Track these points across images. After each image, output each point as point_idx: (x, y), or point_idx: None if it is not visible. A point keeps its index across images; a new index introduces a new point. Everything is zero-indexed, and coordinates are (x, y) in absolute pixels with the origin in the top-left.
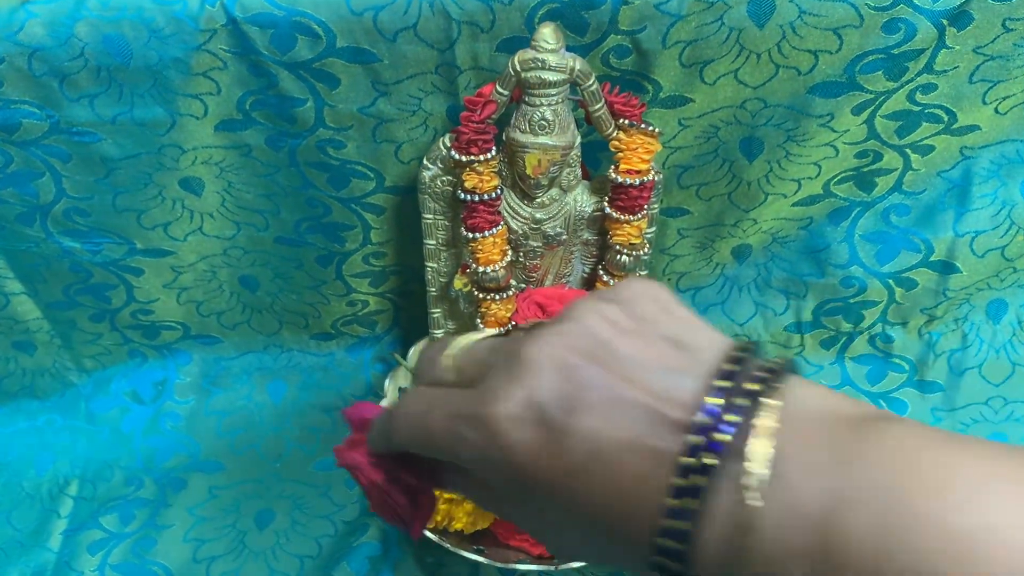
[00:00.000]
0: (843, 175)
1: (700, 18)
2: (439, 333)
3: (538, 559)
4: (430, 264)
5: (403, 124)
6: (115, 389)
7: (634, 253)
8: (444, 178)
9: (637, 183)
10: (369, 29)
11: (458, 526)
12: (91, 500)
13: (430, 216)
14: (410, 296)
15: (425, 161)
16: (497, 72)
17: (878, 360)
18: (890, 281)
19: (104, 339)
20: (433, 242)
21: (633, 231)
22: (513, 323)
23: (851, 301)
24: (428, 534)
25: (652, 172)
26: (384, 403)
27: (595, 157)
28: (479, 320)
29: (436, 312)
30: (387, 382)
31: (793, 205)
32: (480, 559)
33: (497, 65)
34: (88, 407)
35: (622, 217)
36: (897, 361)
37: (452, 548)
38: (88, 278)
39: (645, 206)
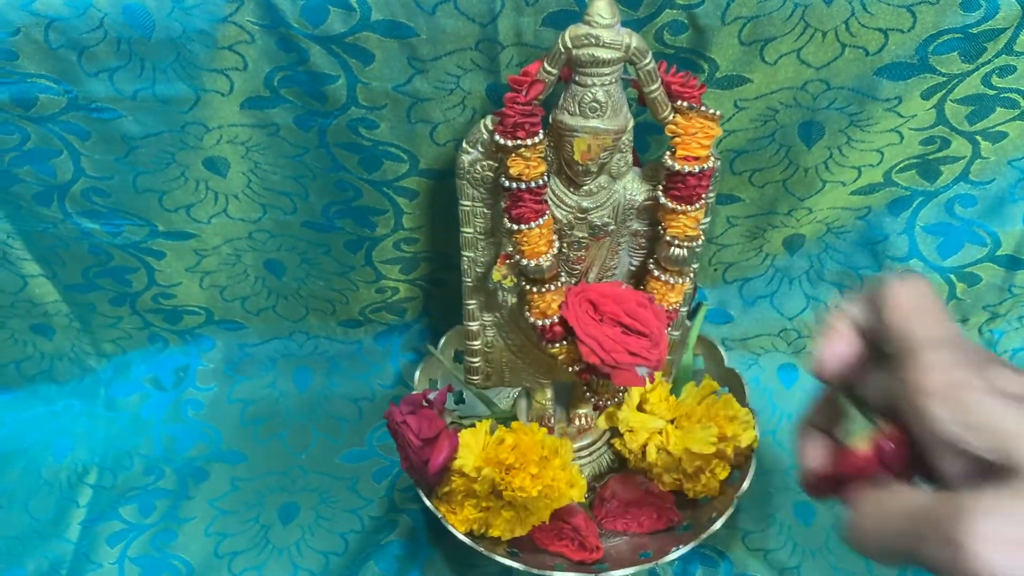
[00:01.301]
0: (906, 163)
1: None
2: (474, 325)
3: (577, 565)
4: (467, 253)
5: (440, 104)
6: (135, 375)
7: (688, 245)
8: (485, 163)
9: (696, 171)
10: (406, 1)
11: (495, 533)
12: (110, 489)
13: (468, 203)
14: (442, 284)
15: (464, 144)
16: (542, 48)
17: None
18: (952, 276)
19: (124, 323)
20: (471, 230)
21: (690, 222)
22: (562, 317)
23: None
24: (461, 537)
25: (711, 159)
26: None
27: (644, 140)
28: (526, 311)
29: (471, 304)
30: (417, 373)
31: (851, 194)
32: (513, 563)
33: (542, 41)
34: (107, 393)
35: (678, 207)
36: None
37: (484, 551)
38: (108, 260)
39: (703, 195)
